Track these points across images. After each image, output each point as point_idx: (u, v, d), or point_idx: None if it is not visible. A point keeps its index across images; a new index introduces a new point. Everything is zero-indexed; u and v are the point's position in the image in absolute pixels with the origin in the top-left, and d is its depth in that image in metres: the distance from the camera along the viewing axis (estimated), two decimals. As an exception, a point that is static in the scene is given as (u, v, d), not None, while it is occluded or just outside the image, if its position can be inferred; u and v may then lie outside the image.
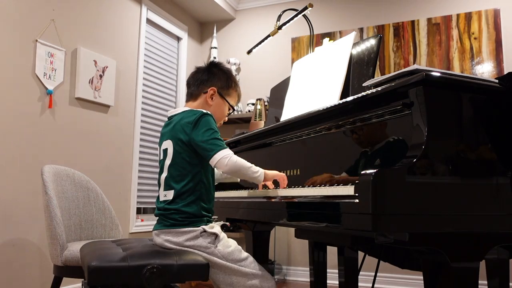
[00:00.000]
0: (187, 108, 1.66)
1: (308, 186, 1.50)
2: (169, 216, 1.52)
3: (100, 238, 2.46)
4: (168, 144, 1.60)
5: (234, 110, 1.79)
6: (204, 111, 1.60)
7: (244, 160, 1.56)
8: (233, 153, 1.54)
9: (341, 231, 1.64)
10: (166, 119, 1.72)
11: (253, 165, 1.58)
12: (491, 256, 1.75)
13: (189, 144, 1.55)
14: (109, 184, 3.28)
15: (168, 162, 1.58)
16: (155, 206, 1.65)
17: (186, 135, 1.55)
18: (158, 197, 1.62)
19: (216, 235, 1.52)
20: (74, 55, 3.03)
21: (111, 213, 2.54)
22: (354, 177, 1.38)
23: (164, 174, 1.58)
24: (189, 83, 1.75)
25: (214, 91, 1.70)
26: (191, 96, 1.73)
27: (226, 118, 1.80)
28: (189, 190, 1.53)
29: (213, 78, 1.71)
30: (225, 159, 1.50)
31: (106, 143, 3.30)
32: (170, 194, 1.54)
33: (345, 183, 1.38)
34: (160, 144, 1.67)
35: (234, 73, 1.88)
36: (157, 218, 1.59)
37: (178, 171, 1.55)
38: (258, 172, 1.57)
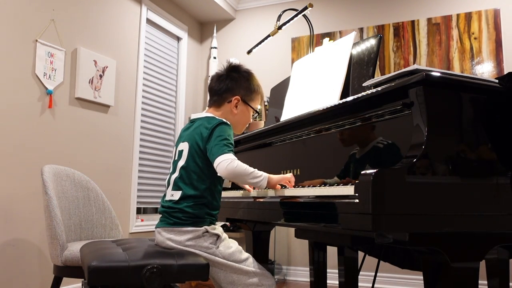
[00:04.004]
0: (209, 114, 1.65)
1: (308, 186, 1.50)
2: (172, 214, 1.53)
3: (100, 238, 2.46)
4: (184, 146, 1.60)
5: (258, 113, 1.78)
6: (223, 120, 1.59)
7: (246, 166, 1.51)
8: (236, 158, 1.50)
9: (341, 231, 1.64)
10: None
11: (256, 170, 1.53)
12: (491, 256, 1.75)
13: (204, 150, 1.55)
14: (109, 184, 3.28)
15: (181, 163, 1.58)
16: (155, 206, 1.65)
17: (203, 142, 1.55)
18: (164, 195, 1.62)
19: (218, 236, 1.53)
20: (74, 55, 3.03)
21: (111, 213, 2.54)
22: (353, 177, 1.38)
23: (175, 175, 1.58)
24: (211, 91, 1.73)
25: (238, 100, 1.67)
26: (214, 103, 1.71)
27: (251, 120, 1.79)
28: (196, 195, 1.53)
29: (235, 85, 1.68)
30: (225, 163, 1.47)
31: (106, 143, 3.30)
32: (177, 195, 1.54)
33: (344, 183, 1.39)
34: (177, 145, 1.67)
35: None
36: (160, 216, 1.59)
37: (188, 174, 1.55)
38: (260, 177, 1.53)
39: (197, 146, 1.56)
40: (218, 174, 1.52)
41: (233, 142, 1.56)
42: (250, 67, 1.78)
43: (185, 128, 1.69)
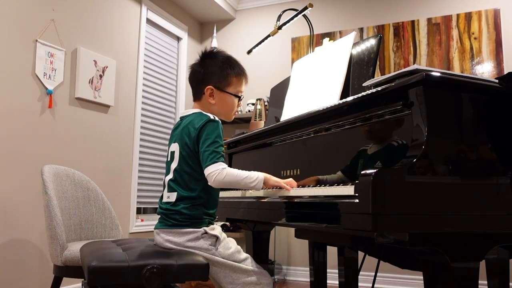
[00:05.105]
0: (197, 110, 1.61)
1: (303, 186, 1.50)
2: (170, 216, 1.52)
3: (100, 238, 2.46)
4: (175, 147, 1.58)
5: (240, 97, 1.68)
6: (210, 117, 1.55)
7: (237, 172, 1.49)
8: (225, 166, 1.48)
9: (341, 231, 1.64)
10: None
11: (250, 174, 1.51)
12: (491, 256, 1.75)
13: (194, 151, 1.53)
14: (109, 184, 3.28)
15: (174, 165, 1.56)
16: (155, 206, 1.64)
17: (191, 142, 1.53)
18: (161, 197, 1.61)
19: (217, 238, 1.52)
20: (74, 55, 3.03)
21: (111, 213, 2.54)
22: (354, 177, 1.38)
23: (169, 176, 1.57)
24: (190, 86, 1.69)
25: (212, 89, 1.61)
26: (194, 98, 1.68)
27: (240, 103, 1.72)
28: (192, 196, 1.52)
29: (207, 74, 1.62)
30: (213, 176, 1.45)
31: (106, 143, 3.30)
32: (173, 196, 1.53)
33: (344, 183, 1.38)
34: (169, 145, 1.65)
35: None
36: (159, 216, 1.59)
37: (182, 176, 1.54)
38: (255, 181, 1.50)
39: (187, 147, 1.54)
40: (209, 184, 1.50)
41: (222, 142, 1.53)
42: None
43: (175, 127, 1.66)
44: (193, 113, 1.60)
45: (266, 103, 3.86)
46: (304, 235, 2.06)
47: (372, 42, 1.67)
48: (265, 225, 2.07)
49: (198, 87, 1.65)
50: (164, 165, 3.96)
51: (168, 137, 4.08)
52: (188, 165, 1.54)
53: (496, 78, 1.26)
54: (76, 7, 3.08)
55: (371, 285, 2.12)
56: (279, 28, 2.53)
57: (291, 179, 1.56)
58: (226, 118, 1.69)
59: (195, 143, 1.53)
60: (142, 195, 3.75)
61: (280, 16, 2.55)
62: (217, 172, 1.45)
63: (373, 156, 1.33)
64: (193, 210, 1.51)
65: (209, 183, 1.49)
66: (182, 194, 1.52)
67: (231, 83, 1.65)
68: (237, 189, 1.99)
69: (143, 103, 3.77)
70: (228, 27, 4.61)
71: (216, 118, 1.57)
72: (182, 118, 1.64)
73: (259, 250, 2.11)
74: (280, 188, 1.57)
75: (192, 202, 1.52)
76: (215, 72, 1.62)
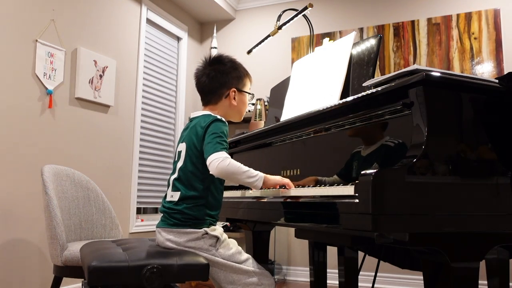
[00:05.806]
0: (206, 112, 1.65)
1: (303, 186, 1.50)
2: (172, 215, 1.53)
3: (100, 238, 2.46)
4: (182, 147, 1.60)
5: (253, 94, 1.79)
6: (217, 116, 1.58)
7: (240, 164, 1.49)
8: (228, 156, 1.49)
9: (341, 231, 1.64)
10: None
11: (251, 169, 1.51)
12: (491, 256, 1.75)
13: (201, 150, 1.54)
14: (109, 184, 3.28)
15: (179, 164, 1.58)
16: (155, 206, 1.65)
17: (198, 141, 1.55)
18: (165, 195, 1.62)
19: (217, 238, 1.52)
20: (74, 55, 3.03)
21: (111, 213, 2.54)
22: (353, 177, 1.38)
23: (174, 176, 1.59)
24: (203, 91, 1.70)
25: (235, 91, 1.68)
26: (210, 102, 1.69)
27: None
28: (195, 196, 1.53)
29: (227, 79, 1.67)
30: (216, 162, 1.45)
31: (106, 143, 3.30)
32: (176, 196, 1.54)
33: (344, 183, 1.39)
34: (177, 145, 1.67)
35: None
36: (161, 215, 1.59)
37: (187, 175, 1.55)
38: (255, 177, 1.50)
39: (193, 146, 1.56)
40: (210, 173, 1.50)
41: (227, 139, 1.55)
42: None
43: (185, 128, 1.69)
44: (202, 115, 1.64)
45: (266, 103, 3.86)
46: (304, 235, 2.06)
47: (372, 42, 1.67)
48: (265, 225, 2.07)
49: (218, 91, 1.68)
50: (165, 165, 3.99)
51: (168, 137, 4.10)
52: (193, 164, 1.55)
53: (496, 78, 1.26)
54: (76, 7, 3.08)
55: (371, 285, 2.12)
56: (279, 28, 2.53)
57: (288, 180, 1.55)
58: (239, 117, 1.75)
59: (201, 142, 1.55)
60: (142, 195, 3.75)
61: (280, 16, 2.55)
62: (221, 159, 1.46)
63: (373, 156, 1.33)
64: (195, 210, 1.52)
65: (211, 172, 1.48)
66: (185, 194, 1.53)
67: (246, 84, 1.74)
68: (237, 189, 1.99)
69: (143, 103, 3.77)
70: (228, 27, 4.61)
71: (223, 118, 1.60)
72: (191, 120, 1.68)
73: (259, 250, 2.11)
74: (280, 187, 1.57)
75: (194, 202, 1.52)
76: (234, 75, 1.70)
